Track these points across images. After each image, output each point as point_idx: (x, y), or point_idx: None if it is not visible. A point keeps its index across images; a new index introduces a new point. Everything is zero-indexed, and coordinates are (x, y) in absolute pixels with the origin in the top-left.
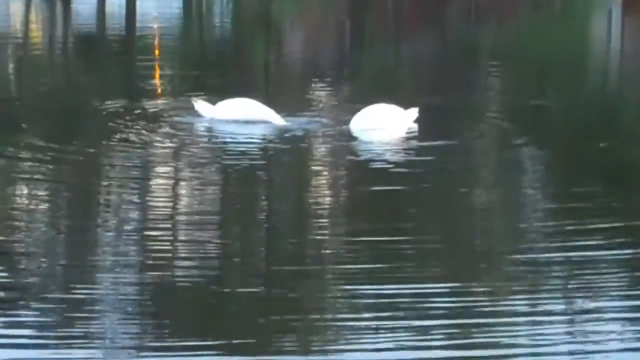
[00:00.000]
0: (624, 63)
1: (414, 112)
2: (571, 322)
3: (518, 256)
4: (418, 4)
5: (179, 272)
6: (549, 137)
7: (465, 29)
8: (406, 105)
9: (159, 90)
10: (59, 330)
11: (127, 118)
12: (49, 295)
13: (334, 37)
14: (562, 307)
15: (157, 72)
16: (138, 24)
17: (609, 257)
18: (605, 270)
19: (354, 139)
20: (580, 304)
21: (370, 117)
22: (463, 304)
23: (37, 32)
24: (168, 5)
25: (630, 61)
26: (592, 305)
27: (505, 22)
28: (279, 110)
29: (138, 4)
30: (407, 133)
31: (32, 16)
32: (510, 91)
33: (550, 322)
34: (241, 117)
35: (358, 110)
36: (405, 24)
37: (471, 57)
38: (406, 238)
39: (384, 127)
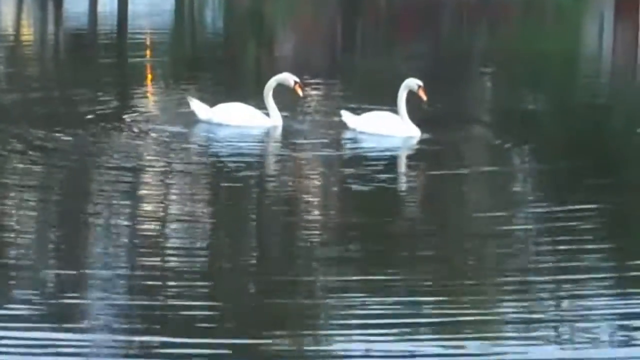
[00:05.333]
0: (615, 67)
1: (414, 129)
2: (560, 332)
3: (508, 265)
4: (410, 8)
5: (169, 276)
6: (541, 144)
7: (457, 33)
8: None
9: (152, 91)
10: (46, 336)
11: (120, 119)
12: (38, 300)
13: (327, 40)
14: (552, 316)
15: (150, 73)
16: (130, 25)
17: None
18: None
19: (351, 143)
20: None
21: (370, 123)
22: (454, 314)
23: (28, 33)
24: (160, 6)
25: (622, 66)
26: (583, 312)
27: (497, 27)
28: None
29: (130, 4)
30: (403, 140)
31: (24, 17)
32: (502, 97)
33: (540, 331)
34: (237, 122)
35: (352, 113)
36: (397, 28)
37: (463, 61)
38: (399, 246)
39: (384, 133)
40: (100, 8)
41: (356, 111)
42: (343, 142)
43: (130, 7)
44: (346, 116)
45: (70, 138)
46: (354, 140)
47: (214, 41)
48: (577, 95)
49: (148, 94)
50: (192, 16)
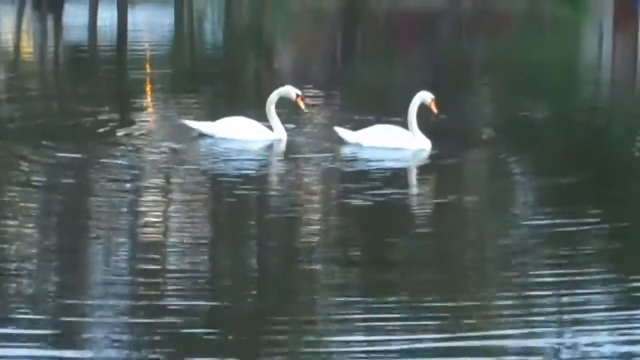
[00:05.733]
0: (615, 78)
1: (425, 141)
2: (561, 338)
3: (508, 273)
4: (409, 18)
5: (169, 288)
6: (543, 155)
7: (456, 43)
8: (398, 121)
9: (152, 105)
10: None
11: (120, 133)
12: (37, 319)
13: (326, 52)
14: (553, 321)
15: (149, 87)
16: (129, 38)
17: (599, 277)
18: (594, 290)
19: (356, 157)
20: (570, 319)
21: (377, 136)
22: (453, 321)
23: (27, 46)
24: (160, 20)
25: (621, 76)
26: (582, 319)
27: (496, 37)
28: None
29: (129, 18)
30: (413, 153)
31: (24, 29)
32: (503, 107)
33: (541, 334)
34: (240, 137)
35: (353, 125)
36: (396, 39)
37: (463, 72)
38: (398, 256)
39: (389, 146)
40: (100, 21)
41: (356, 124)
42: (348, 156)
43: (129, 20)
44: (342, 132)
45: (68, 153)
46: (358, 154)
47: (213, 55)
48: (577, 105)
49: (148, 108)
50: (191, 30)
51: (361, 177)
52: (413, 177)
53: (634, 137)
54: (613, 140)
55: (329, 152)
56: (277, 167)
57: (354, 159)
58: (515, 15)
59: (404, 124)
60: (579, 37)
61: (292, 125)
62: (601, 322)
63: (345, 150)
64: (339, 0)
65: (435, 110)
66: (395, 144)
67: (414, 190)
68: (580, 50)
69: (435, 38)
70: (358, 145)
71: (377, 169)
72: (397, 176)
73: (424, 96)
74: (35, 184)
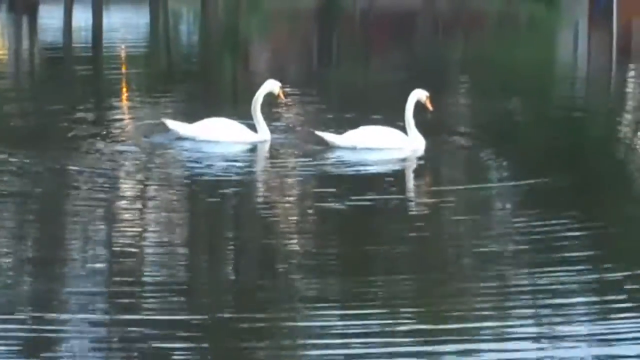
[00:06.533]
0: (590, 77)
1: (418, 138)
2: (540, 345)
3: (487, 274)
4: (385, 19)
5: (144, 300)
6: (521, 156)
7: (432, 43)
8: (378, 119)
9: (128, 105)
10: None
11: (94, 137)
12: (12, 327)
13: (302, 52)
14: (532, 330)
15: (125, 87)
16: (105, 39)
17: (580, 282)
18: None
19: (339, 158)
20: (549, 328)
21: (368, 137)
22: (432, 327)
23: (2, 48)
24: (135, 21)
25: (597, 75)
26: (561, 329)
27: (472, 36)
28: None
29: (104, 18)
30: (406, 153)
31: None
32: (480, 107)
33: (520, 344)
34: (224, 139)
35: (333, 125)
36: (372, 40)
37: (439, 72)
38: (378, 259)
39: (385, 147)
40: (75, 22)
41: (336, 124)
42: (333, 159)
43: (105, 21)
44: (327, 136)
45: (44, 155)
46: (344, 157)
47: (189, 55)
48: (553, 103)
49: (124, 109)
50: (167, 31)
51: (344, 180)
52: (393, 181)
53: (610, 135)
54: (590, 138)
55: (313, 155)
56: (261, 172)
57: (340, 162)
58: (491, 15)
59: (385, 122)
60: (554, 35)
61: (274, 125)
62: (580, 330)
63: (331, 154)
64: (314, 0)
65: (430, 107)
66: (387, 145)
67: (391, 194)
68: (556, 48)
69: (411, 37)
70: (344, 147)
71: (361, 172)
72: (379, 180)
73: (419, 94)
74: (5, 191)
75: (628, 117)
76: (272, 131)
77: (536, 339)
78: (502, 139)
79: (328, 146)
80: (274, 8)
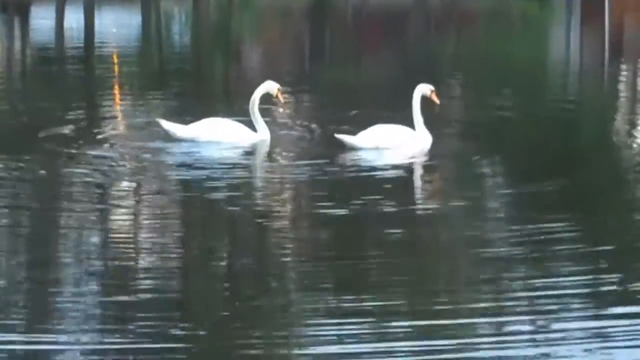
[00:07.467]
0: (582, 73)
1: (425, 134)
2: (535, 345)
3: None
4: (377, 17)
5: (138, 309)
6: (514, 156)
7: (425, 41)
8: (370, 120)
9: (120, 107)
10: None
11: (90, 136)
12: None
13: (294, 50)
14: (527, 329)
15: (117, 88)
16: (96, 39)
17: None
18: (569, 294)
19: (351, 160)
20: (544, 326)
21: (375, 137)
22: (428, 326)
23: None
24: (127, 21)
25: (589, 71)
26: (556, 327)
27: (464, 33)
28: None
29: (96, 19)
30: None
31: None
32: (473, 105)
33: (515, 343)
34: (223, 139)
35: (330, 125)
36: (364, 37)
37: (431, 69)
38: (374, 261)
39: (389, 146)
40: (67, 23)
41: (337, 121)
42: (345, 159)
43: (97, 21)
44: (346, 138)
45: (33, 156)
46: (347, 157)
47: (181, 54)
48: (546, 100)
49: (117, 109)
50: (159, 30)
51: (344, 182)
52: (394, 184)
53: (605, 133)
54: (583, 136)
55: (313, 155)
56: (260, 174)
57: (341, 163)
58: (483, 12)
59: (381, 120)
60: (547, 32)
61: (271, 124)
62: (575, 331)
63: (332, 154)
64: None
65: (437, 101)
66: (395, 144)
67: (389, 198)
68: (548, 45)
69: (403, 34)
70: (351, 148)
71: (361, 174)
72: (379, 182)
73: (424, 89)
74: (1, 185)
75: (621, 114)
76: (272, 129)
77: (532, 336)
78: (494, 137)
79: (328, 145)
80: (265, 6)
